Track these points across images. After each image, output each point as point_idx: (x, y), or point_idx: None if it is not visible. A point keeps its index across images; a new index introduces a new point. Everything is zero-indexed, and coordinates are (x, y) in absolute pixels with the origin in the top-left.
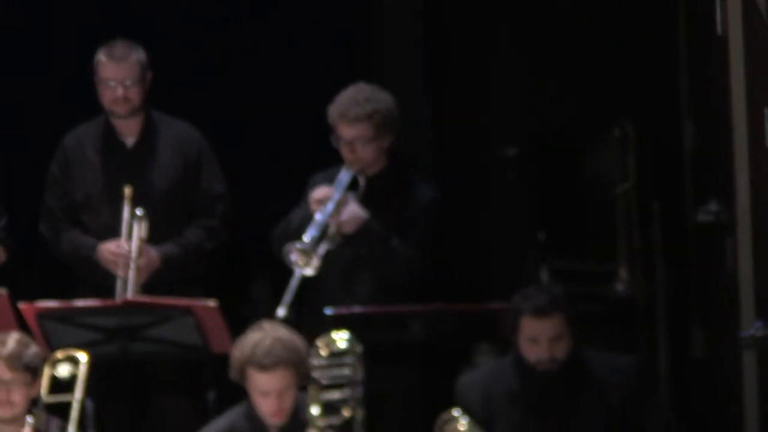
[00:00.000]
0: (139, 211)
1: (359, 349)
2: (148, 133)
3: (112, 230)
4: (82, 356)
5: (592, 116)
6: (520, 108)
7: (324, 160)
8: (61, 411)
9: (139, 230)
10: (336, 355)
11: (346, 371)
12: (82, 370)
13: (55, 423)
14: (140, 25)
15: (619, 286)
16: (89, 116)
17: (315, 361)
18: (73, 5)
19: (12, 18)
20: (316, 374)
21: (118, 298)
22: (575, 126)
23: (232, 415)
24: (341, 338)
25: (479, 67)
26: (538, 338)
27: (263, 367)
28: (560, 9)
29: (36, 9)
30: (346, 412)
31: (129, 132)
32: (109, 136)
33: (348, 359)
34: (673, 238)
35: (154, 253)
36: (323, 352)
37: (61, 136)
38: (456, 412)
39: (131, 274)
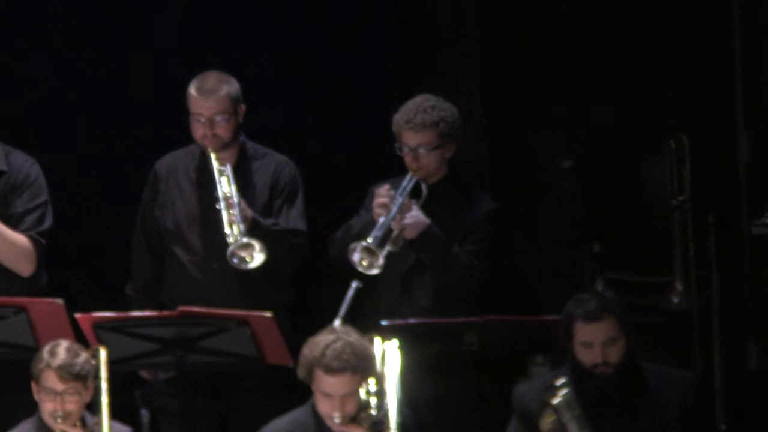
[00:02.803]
0: (222, 167)
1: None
2: (240, 165)
3: (205, 259)
4: (102, 352)
5: (647, 128)
6: (576, 119)
7: (373, 174)
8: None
9: (227, 179)
10: None
11: None
12: (103, 362)
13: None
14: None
15: (675, 298)
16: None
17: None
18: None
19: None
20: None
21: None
22: (631, 138)
23: (297, 412)
24: None
25: (536, 78)
26: (592, 343)
27: (331, 370)
28: (616, 21)
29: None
30: None
31: (222, 163)
32: (202, 166)
33: None
34: (728, 250)
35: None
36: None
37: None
38: (559, 382)
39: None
